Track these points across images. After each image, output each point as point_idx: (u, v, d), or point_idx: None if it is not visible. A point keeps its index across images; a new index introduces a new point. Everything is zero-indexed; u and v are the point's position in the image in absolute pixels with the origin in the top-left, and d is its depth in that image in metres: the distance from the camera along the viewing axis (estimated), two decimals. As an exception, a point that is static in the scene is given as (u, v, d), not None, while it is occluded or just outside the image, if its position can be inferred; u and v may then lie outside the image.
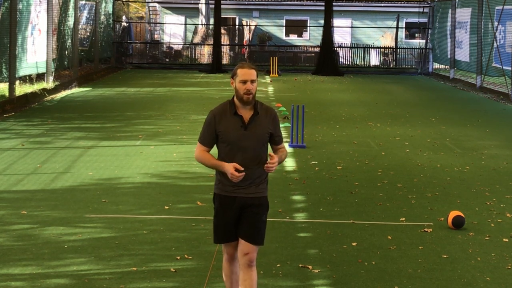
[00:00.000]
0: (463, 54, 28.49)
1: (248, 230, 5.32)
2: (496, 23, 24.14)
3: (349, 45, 37.78)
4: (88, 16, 29.43)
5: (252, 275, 5.33)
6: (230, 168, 5.14)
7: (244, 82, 5.19)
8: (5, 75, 18.69)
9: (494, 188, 10.30)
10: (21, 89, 19.82)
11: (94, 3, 29.65)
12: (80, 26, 28.21)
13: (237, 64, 5.36)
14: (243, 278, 5.34)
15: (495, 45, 24.14)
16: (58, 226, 8.00)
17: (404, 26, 40.20)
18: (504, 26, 23.65)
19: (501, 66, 23.39)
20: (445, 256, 7.23)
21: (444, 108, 19.96)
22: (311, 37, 40.62)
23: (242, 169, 5.15)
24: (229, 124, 5.22)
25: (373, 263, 6.98)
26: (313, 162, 11.85)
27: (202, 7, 38.95)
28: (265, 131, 5.29)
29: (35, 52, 21.48)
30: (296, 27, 41.51)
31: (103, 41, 31.23)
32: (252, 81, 5.20)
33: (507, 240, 7.85)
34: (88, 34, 29.65)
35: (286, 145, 13.38)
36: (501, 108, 20.73)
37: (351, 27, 40.01)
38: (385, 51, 37.21)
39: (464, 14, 28.50)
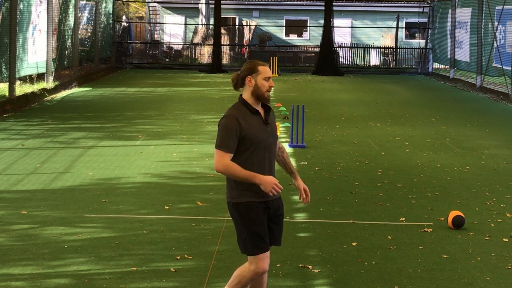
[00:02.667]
0: (463, 54, 28.49)
1: (278, 234, 5.21)
2: (496, 23, 24.14)
3: (349, 45, 37.79)
4: (89, 16, 29.44)
5: (263, 278, 5.27)
6: (269, 181, 4.94)
7: (268, 78, 5.13)
8: (5, 75, 18.69)
9: (494, 188, 10.30)
10: (21, 89, 19.82)
11: (94, 3, 29.64)
12: (81, 26, 28.23)
13: (249, 61, 5.23)
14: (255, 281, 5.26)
15: (495, 45, 24.14)
16: (58, 226, 8.00)
17: (404, 26, 40.21)
18: (504, 26, 23.64)
19: (501, 66, 23.39)
20: (445, 256, 7.23)
21: (444, 108, 19.96)
22: (311, 37, 40.62)
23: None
24: (253, 124, 5.06)
25: (373, 263, 6.98)
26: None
27: (202, 7, 38.96)
28: (275, 126, 5.28)
29: (36, 52, 21.48)
30: (296, 27, 41.51)
31: (103, 41, 31.23)
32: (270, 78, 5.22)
33: (507, 240, 7.85)
34: (89, 34, 29.67)
35: (286, 145, 13.39)
36: (501, 108, 20.73)
37: (351, 27, 40.01)
38: (385, 51, 37.22)
39: (464, 14, 28.50)
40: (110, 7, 32.75)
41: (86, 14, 29.08)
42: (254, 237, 5.04)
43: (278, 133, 14.31)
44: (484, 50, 25.47)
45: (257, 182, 4.95)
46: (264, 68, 5.16)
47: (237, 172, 4.95)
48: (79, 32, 28.33)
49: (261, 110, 5.17)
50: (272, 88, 5.18)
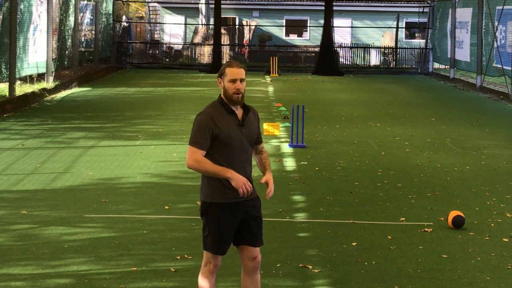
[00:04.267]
0: (463, 54, 28.47)
1: (255, 235, 5.18)
2: (496, 23, 24.11)
3: (349, 45, 37.79)
4: (91, 17, 29.45)
5: (258, 278, 5.28)
6: (241, 178, 4.93)
7: (234, 81, 5.06)
8: (5, 75, 18.68)
9: (494, 188, 10.30)
10: (21, 89, 19.82)
11: (95, 3, 29.64)
12: (85, 27, 28.28)
13: (225, 63, 5.20)
14: (248, 283, 5.25)
15: (495, 45, 24.12)
16: (58, 226, 8.00)
17: (404, 26, 40.21)
18: (505, 26, 23.62)
19: (501, 66, 23.38)
20: (445, 256, 7.23)
21: (444, 108, 19.96)
22: (311, 37, 40.62)
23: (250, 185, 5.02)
24: (227, 124, 5.05)
25: (373, 263, 6.98)
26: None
27: (202, 7, 38.97)
28: (255, 130, 5.22)
29: (36, 52, 21.49)
30: (296, 27, 41.51)
31: (103, 41, 31.24)
32: (241, 80, 5.08)
33: (507, 240, 7.86)
34: (93, 36, 29.71)
35: (286, 145, 13.39)
36: (501, 108, 20.73)
37: (351, 27, 40.01)
38: (385, 51, 37.22)
39: (464, 14, 28.49)
40: (110, 7, 32.75)
41: (88, 15, 29.07)
42: (214, 239, 5.13)
43: (278, 133, 14.30)
44: (485, 50, 25.45)
45: (229, 176, 4.96)
46: (231, 70, 5.09)
47: (209, 167, 4.98)
48: (84, 33, 28.40)
49: (239, 111, 5.14)
50: (239, 90, 5.06)
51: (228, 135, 5.05)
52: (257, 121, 5.27)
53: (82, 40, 28.51)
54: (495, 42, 24.10)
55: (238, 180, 4.96)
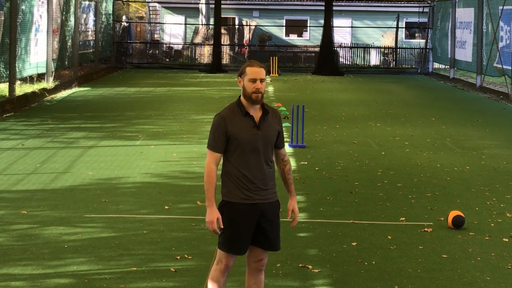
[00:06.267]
0: (464, 54, 28.44)
1: (269, 239, 5.19)
2: (501, 23, 24.02)
3: (349, 45, 37.79)
4: (94, 18, 29.43)
5: (262, 278, 5.29)
6: (211, 218, 5.05)
7: (254, 80, 5.04)
8: (4, 75, 18.67)
9: (494, 188, 10.30)
10: (21, 89, 19.82)
11: (95, 3, 29.63)
12: (90, 29, 28.28)
13: (246, 62, 5.21)
14: (252, 282, 5.26)
15: (500, 44, 24.06)
16: (58, 226, 8.00)
17: (404, 26, 40.21)
18: (509, 26, 23.56)
19: (501, 66, 23.35)
20: (445, 256, 7.23)
21: (444, 108, 19.96)
22: (311, 37, 40.62)
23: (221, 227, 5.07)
24: (241, 125, 5.05)
25: (373, 263, 6.99)
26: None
27: (202, 7, 38.97)
28: (274, 131, 5.18)
29: (37, 52, 21.50)
30: (296, 27, 41.51)
31: (103, 41, 31.24)
32: (261, 80, 5.06)
33: (507, 240, 7.86)
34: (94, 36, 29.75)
35: (286, 145, 13.38)
36: (501, 108, 20.73)
37: (351, 27, 40.01)
38: (385, 51, 37.23)
39: (466, 14, 28.46)
40: (110, 7, 32.75)
41: (92, 16, 29.03)
42: (228, 237, 5.14)
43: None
44: (485, 50, 25.42)
45: (207, 209, 5.12)
46: (251, 69, 5.07)
47: (206, 187, 5.14)
48: (90, 35, 28.38)
49: (257, 113, 5.12)
50: (259, 90, 5.04)
51: (241, 138, 5.05)
52: (278, 124, 5.21)
53: (91, 43, 28.53)
54: (497, 42, 24.05)
55: (207, 220, 5.09)
